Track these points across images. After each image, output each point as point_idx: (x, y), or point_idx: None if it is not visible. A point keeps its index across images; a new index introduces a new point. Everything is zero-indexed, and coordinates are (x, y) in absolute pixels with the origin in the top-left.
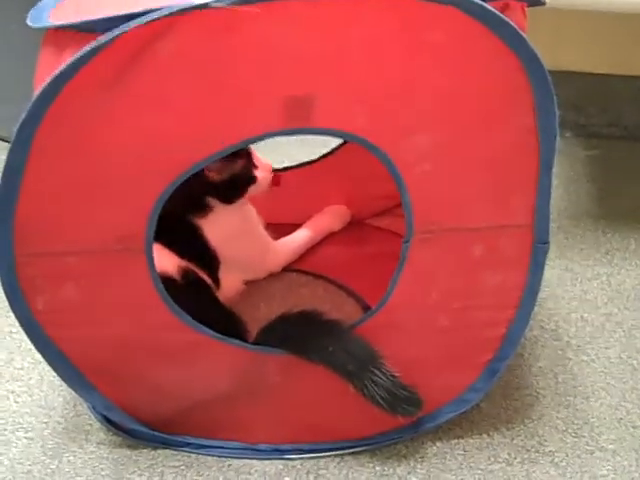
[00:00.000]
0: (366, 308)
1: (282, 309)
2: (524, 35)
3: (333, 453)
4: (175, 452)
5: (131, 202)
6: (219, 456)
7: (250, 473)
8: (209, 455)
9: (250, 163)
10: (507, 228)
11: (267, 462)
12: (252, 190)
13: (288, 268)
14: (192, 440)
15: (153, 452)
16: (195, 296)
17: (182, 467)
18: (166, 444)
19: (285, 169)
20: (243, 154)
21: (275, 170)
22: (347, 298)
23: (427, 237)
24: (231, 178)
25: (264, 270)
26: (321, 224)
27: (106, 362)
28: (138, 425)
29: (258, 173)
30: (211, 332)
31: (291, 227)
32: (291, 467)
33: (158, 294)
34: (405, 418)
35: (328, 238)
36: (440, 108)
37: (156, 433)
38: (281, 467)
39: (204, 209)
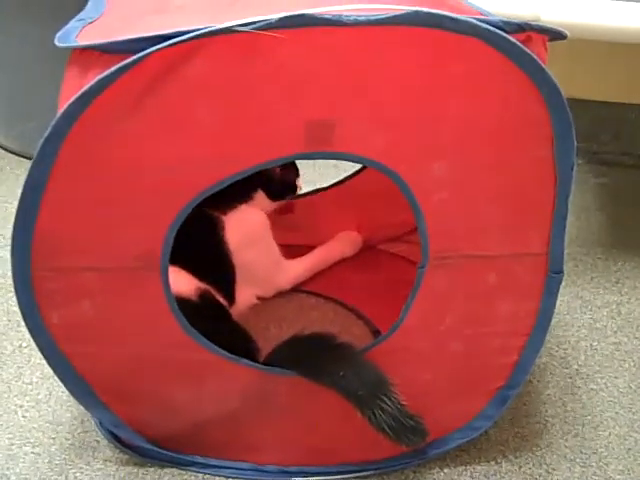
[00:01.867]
0: (375, 332)
1: (292, 330)
2: (546, 68)
3: (340, 477)
4: (182, 471)
5: (149, 221)
6: (226, 476)
7: None
8: (216, 475)
9: (298, 173)
10: (522, 256)
11: None
12: (288, 197)
13: (298, 289)
14: (200, 459)
15: (160, 470)
16: (209, 315)
17: None
18: (173, 463)
19: (299, 196)
20: (294, 164)
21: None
22: (356, 321)
23: (442, 263)
24: (286, 178)
25: (274, 285)
26: (333, 250)
27: (117, 379)
28: (146, 443)
29: (298, 183)
30: (223, 352)
31: (303, 250)
32: None
33: (172, 313)
34: (409, 447)
35: (339, 262)
36: (459, 137)
37: (163, 451)
38: None
39: (240, 202)
